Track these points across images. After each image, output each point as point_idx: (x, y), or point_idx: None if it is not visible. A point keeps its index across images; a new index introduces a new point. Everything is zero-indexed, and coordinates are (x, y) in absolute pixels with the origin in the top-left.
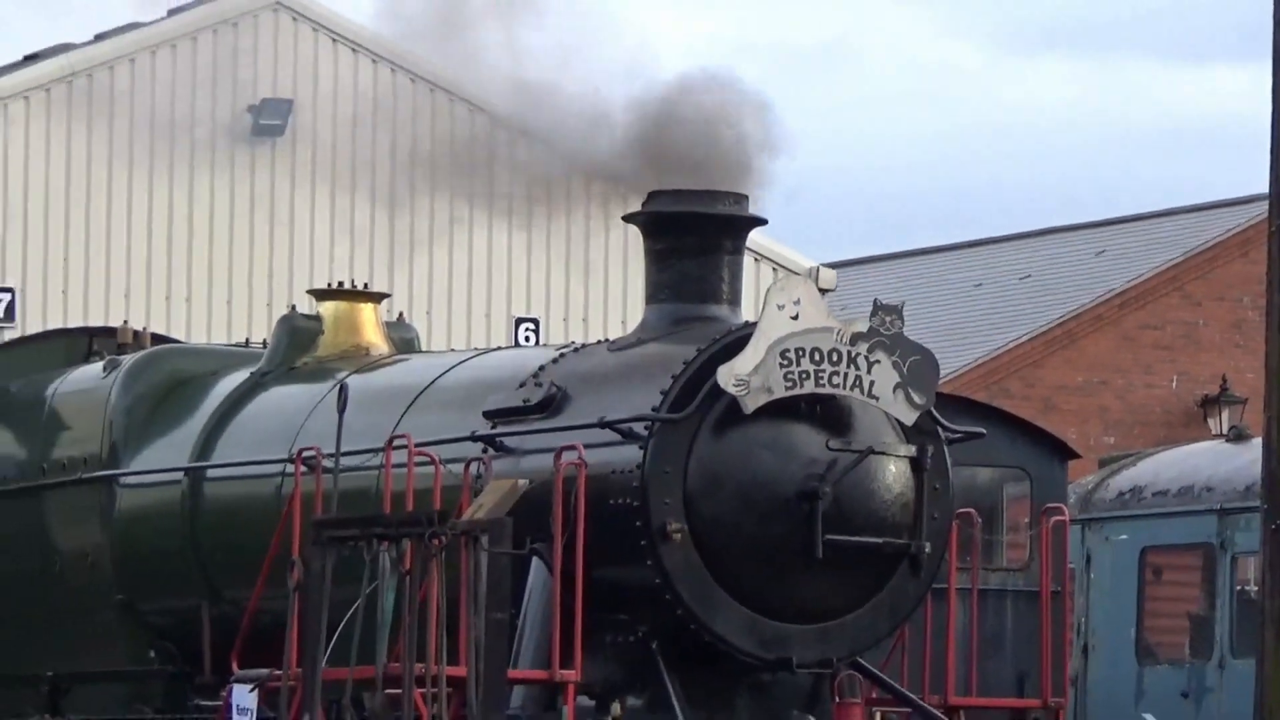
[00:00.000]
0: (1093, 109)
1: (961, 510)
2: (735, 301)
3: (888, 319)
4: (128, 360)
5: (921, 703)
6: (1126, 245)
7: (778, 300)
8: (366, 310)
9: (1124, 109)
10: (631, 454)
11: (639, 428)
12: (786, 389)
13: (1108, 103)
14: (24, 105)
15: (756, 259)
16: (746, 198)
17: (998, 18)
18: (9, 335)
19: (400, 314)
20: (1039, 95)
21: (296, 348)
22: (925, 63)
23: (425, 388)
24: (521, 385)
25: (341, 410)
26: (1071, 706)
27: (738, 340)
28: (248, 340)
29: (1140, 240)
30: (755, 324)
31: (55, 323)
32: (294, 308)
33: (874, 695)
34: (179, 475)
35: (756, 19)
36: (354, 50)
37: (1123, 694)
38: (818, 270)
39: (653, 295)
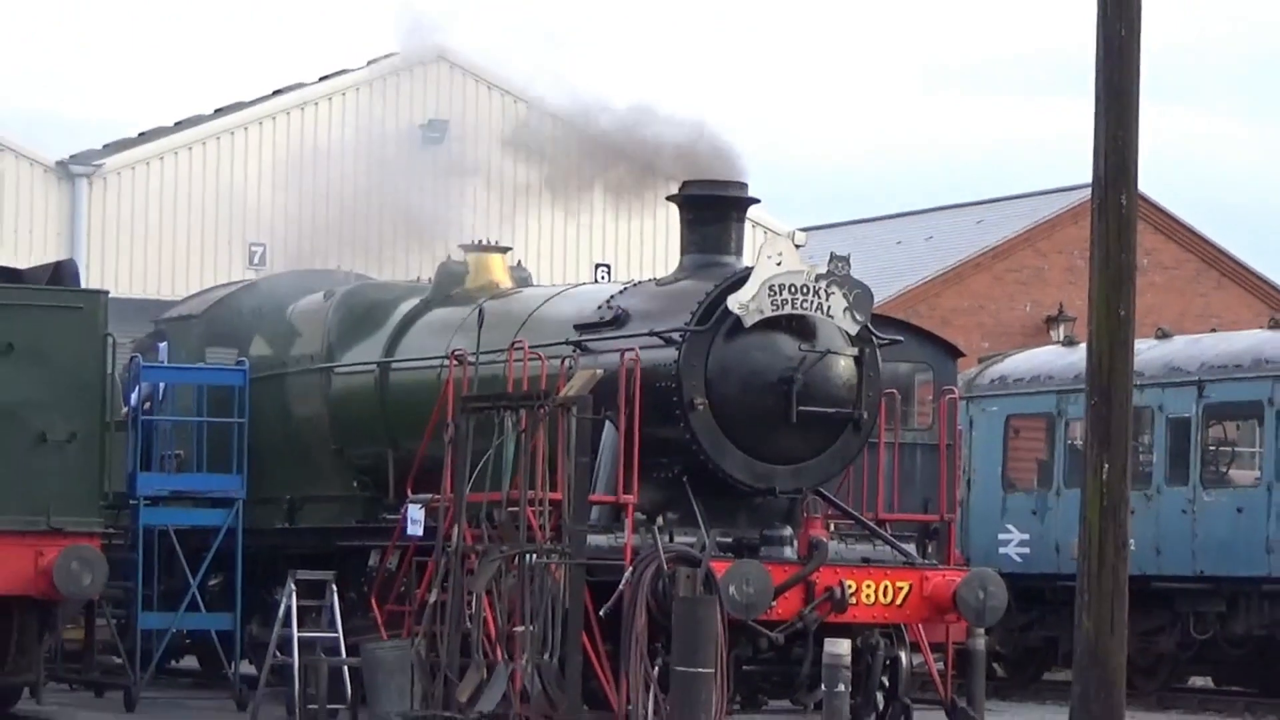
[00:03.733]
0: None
1: (887, 390)
2: (739, 253)
3: (840, 264)
4: (340, 290)
5: (860, 517)
6: (997, 217)
7: (767, 253)
8: (496, 258)
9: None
10: (671, 354)
11: (676, 336)
12: (773, 310)
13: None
14: (284, 119)
15: (752, 225)
16: (746, 185)
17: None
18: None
19: (519, 260)
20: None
21: (450, 283)
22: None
23: (535, 310)
24: (598, 308)
25: (480, 325)
26: (959, 520)
27: (740, 278)
28: (418, 278)
29: (1006, 214)
30: (752, 268)
31: (292, 266)
32: (449, 256)
33: (829, 512)
34: (373, 367)
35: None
36: (489, 87)
37: (992, 512)
38: (794, 233)
39: (685, 248)
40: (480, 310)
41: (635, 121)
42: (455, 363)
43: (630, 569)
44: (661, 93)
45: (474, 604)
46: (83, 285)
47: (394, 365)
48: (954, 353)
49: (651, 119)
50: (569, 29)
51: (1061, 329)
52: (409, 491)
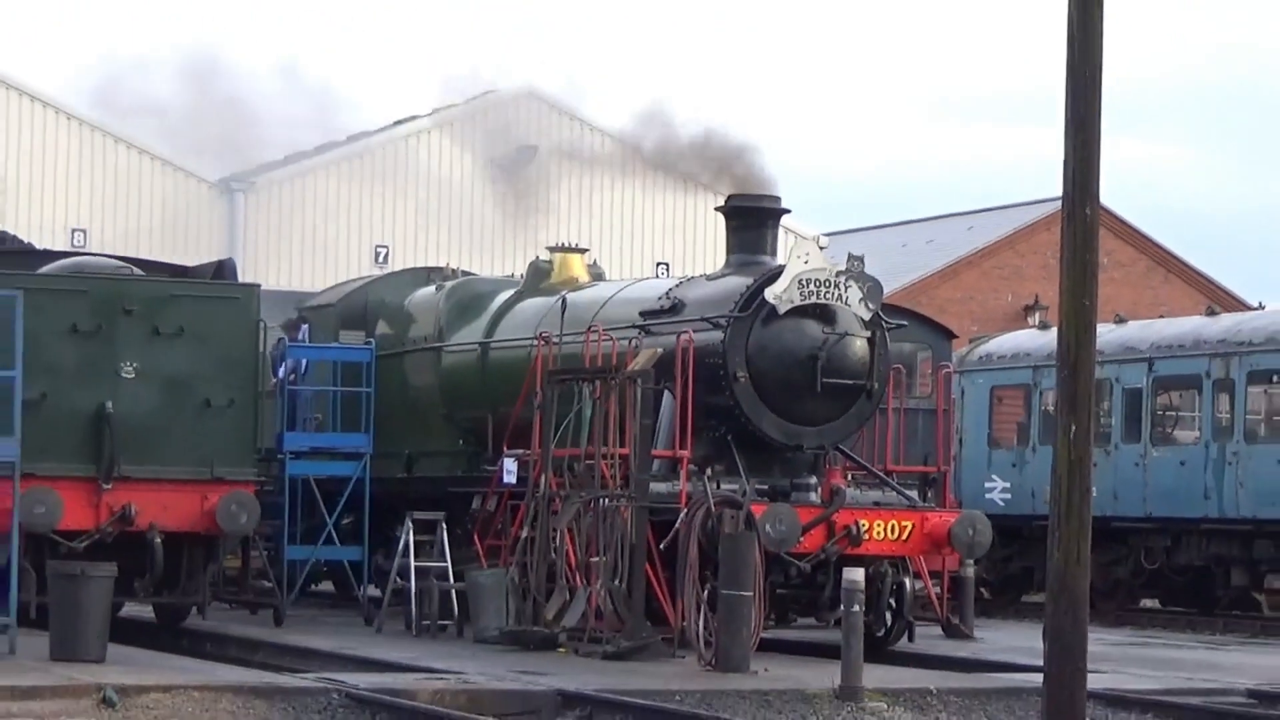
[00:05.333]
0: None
1: (894, 365)
2: (773, 253)
3: (855, 263)
4: (449, 284)
5: (872, 468)
6: (985, 224)
7: (797, 253)
8: (576, 258)
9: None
10: (718, 336)
11: (722, 321)
12: (801, 300)
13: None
14: (402, 144)
15: (784, 230)
16: (779, 198)
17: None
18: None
19: (594, 259)
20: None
21: (538, 278)
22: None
23: (607, 300)
24: (659, 298)
25: (562, 312)
26: (953, 471)
27: (775, 274)
28: (513, 274)
29: (992, 221)
30: (785, 265)
31: (410, 264)
32: (538, 256)
33: (847, 465)
34: (476, 346)
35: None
36: (571, 118)
37: (980, 464)
38: (818, 237)
39: (730, 249)
40: (563, 300)
41: (701, 143)
42: (542, 343)
43: (684, 511)
44: (723, 118)
45: (557, 539)
46: (239, 280)
47: (493, 345)
48: (949, 335)
49: (713, 141)
50: (629, 68)
51: (1037, 316)
52: (505, 447)
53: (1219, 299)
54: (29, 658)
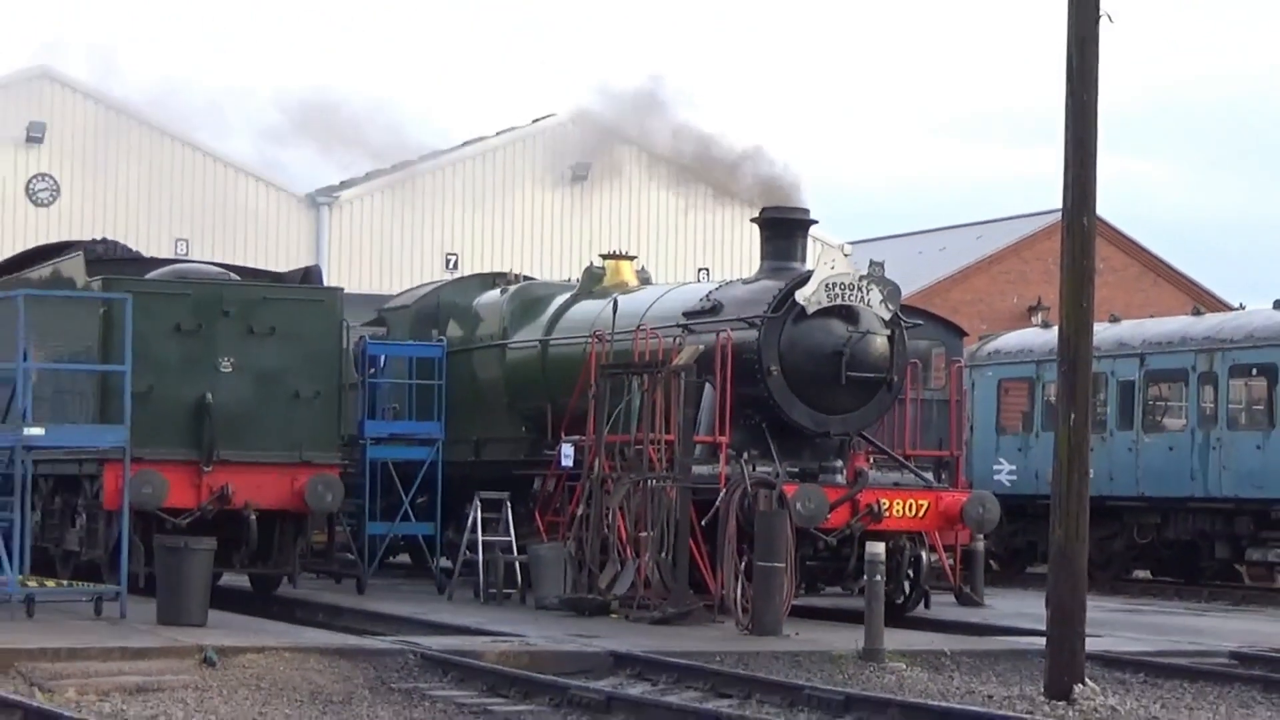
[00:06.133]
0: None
1: (911, 360)
2: (803, 259)
3: (876, 268)
4: (512, 287)
5: (892, 453)
6: (992, 233)
7: (824, 260)
8: (626, 264)
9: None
10: (753, 334)
11: (757, 321)
12: (828, 301)
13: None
14: (471, 163)
15: (812, 239)
16: (808, 210)
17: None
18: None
19: (642, 265)
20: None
21: (592, 282)
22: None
23: (654, 301)
24: (700, 300)
25: (614, 313)
26: (964, 455)
27: (804, 278)
28: (569, 279)
29: (999, 231)
30: (813, 271)
31: (477, 269)
32: (591, 263)
33: (869, 449)
34: (536, 343)
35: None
36: (619, 138)
37: (989, 449)
38: (843, 246)
39: (764, 255)
40: (614, 302)
41: (739, 158)
42: (596, 341)
43: (724, 491)
44: (760, 139)
45: (610, 516)
46: (324, 284)
47: (552, 342)
48: (960, 333)
49: (756, 159)
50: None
51: (1039, 316)
52: (562, 434)
53: (1203, 300)
54: (138, 622)
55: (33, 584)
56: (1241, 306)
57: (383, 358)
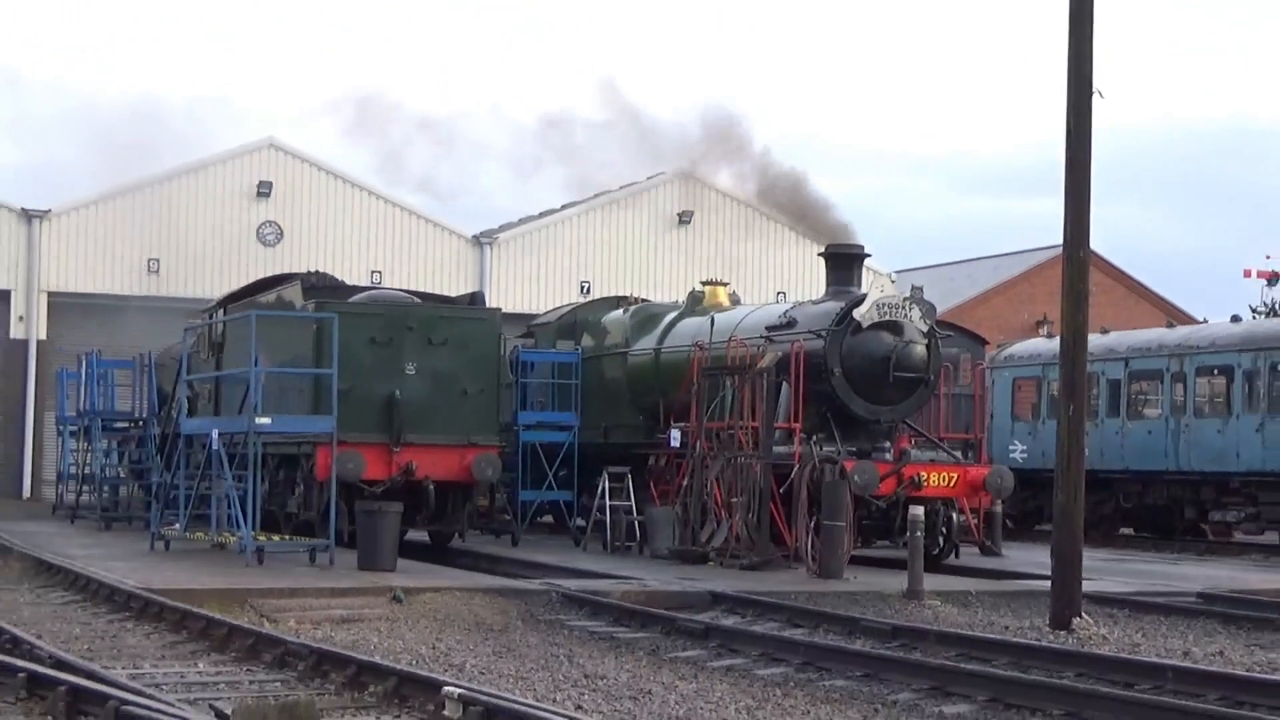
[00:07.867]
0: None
1: (944, 363)
2: (859, 284)
3: (916, 292)
4: (632, 307)
5: (929, 436)
6: (1008, 263)
7: (875, 285)
8: (721, 289)
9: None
10: (820, 343)
11: (823, 333)
12: (879, 318)
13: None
14: (600, 211)
15: (866, 269)
16: (863, 245)
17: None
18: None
19: (733, 290)
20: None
21: (694, 303)
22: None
23: (743, 318)
24: (779, 317)
25: (711, 327)
26: (986, 438)
27: (860, 299)
28: (677, 300)
29: (1012, 262)
30: (867, 293)
31: (605, 293)
32: (694, 288)
33: (911, 434)
34: (651, 351)
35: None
36: (721, 195)
37: (1005, 433)
38: (891, 274)
39: (828, 282)
40: (712, 318)
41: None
42: (698, 349)
43: (797, 465)
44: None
45: (708, 485)
46: (487, 305)
47: (663, 350)
48: (982, 341)
49: (816, 207)
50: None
51: (1045, 328)
52: (671, 422)
53: (1175, 315)
54: (342, 568)
55: (262, 538)
56: (1205, 320)
57: (532, 363)
